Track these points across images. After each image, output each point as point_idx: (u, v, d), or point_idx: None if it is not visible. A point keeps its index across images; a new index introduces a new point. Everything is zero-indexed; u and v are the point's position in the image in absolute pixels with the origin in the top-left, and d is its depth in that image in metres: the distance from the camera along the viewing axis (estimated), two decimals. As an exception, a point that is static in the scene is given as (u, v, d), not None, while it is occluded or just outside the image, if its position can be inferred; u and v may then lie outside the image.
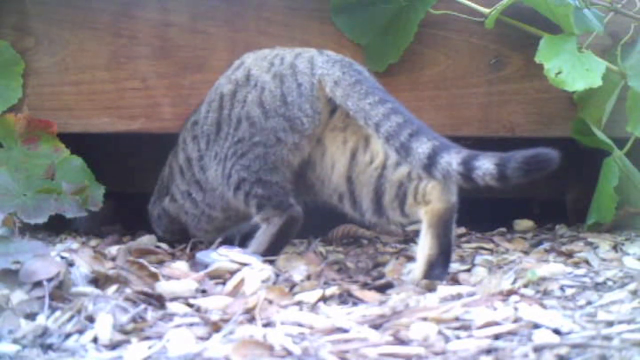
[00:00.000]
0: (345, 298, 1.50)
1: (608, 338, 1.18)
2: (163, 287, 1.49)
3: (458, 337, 1.25)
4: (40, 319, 1.30)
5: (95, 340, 1.24)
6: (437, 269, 1.56)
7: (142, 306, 1.37)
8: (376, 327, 1.31)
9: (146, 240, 1.95)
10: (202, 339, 1.26)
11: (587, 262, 1.70)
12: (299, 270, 1.66)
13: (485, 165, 1.46)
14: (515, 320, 1.30)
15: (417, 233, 2.07)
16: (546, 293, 1.49)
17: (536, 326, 1.27)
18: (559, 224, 2.11)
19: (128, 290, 1.43)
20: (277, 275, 1.63)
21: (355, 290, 1.53)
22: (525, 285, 1.52)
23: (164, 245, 1.92)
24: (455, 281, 1.62)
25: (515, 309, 1.35)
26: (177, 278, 1.58)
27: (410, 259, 1.80)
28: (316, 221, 1.96)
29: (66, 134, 2.06)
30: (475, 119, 2.10)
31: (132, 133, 2.10)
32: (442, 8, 2.02)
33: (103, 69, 2.09)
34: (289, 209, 1.72)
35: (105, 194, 2.01)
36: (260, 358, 1.17)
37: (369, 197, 1.68)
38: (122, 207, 2.30)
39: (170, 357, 1.18)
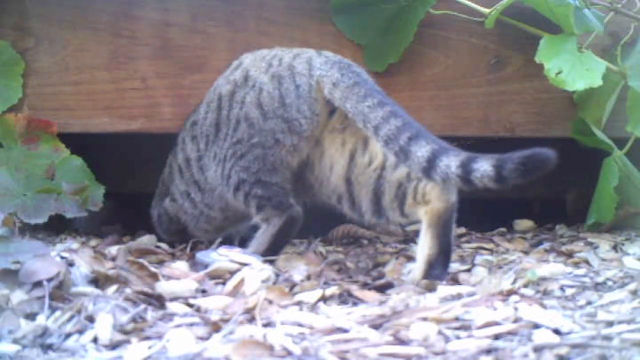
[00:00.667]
0: (345, 298, 1.50)
1: (608, 338, 1.18)
2: (163, 287, 1.49)
3: (458, 337, 1.25)
4: (40, 319, 1.30)
5: (95, 340, 1.24)
6: (437, 269, 1.57)
7: (142, 306, 1.37)
8: (376, 327, 1.31)
9: (146, 240, 1.95)
10: (202, 339, 1.26)
11: (587, 262, 1.70)
12: (299, 270, 1.66)
13: (483, 167, 1.46)
14: (515, 320, 1.30)
15: (417, 233, 2.07)
16: (546, 293, 1.49)
17: (536, 326, 1.27)
18: (559, 224, 2.11)
19: (128, 290, 1.43)
20: (277, 275, 1.63)
21: (355, 290, 1.53)
22: (525, 285, 1.52)
23: (164, 245, 1.92)
24: (455, 281, 1.62)
25: (515, 309, 1.35)
26: (177, 278, 1.58)
27: (410, 259, 1.80)
28: (316, 221, 1.96)
29: (66, 134, 2.06)
30: (475, 119, 2.10)
31: (132, 133, 2.10)
32: (442, 8, 2.02)
33: (103, 69, 2.09)
34: (289, 209, 1.72)
35: (105, 194, 2.01)
36: (260, 358, 1.17)
37: (368, 198, 1.68)
38: (122, 207, 2.30)
39: (170, 357, 1.18)
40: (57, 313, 1.32)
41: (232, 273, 1.60)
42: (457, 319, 1.32)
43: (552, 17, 1.93)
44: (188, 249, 1.88)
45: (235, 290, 1.52)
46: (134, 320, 1.32)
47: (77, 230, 2.13)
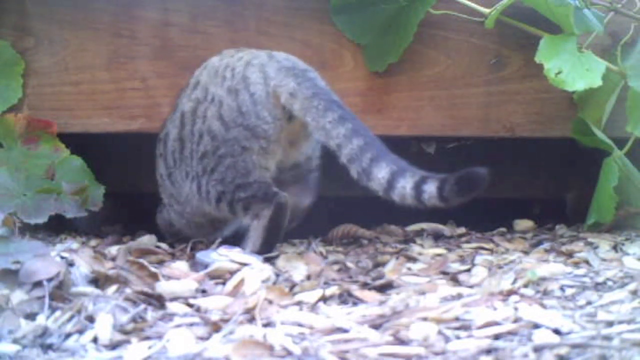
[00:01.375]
0: (345, 298, 1.50)
1: (608, 338, 1.18)
2: (163, 287, 1.49)
3: (458, 337, 1.25)
4: (40, 319, 1.30)
5: (95, 340, 1.25)
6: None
7: (142, 306, 1.37)
8: (376, 327, 1.31)
9: (146, 240, 1.95)
10: (202, 339, 1.27)
11: (587, 262, 1.70)
12: (299, 270, 1.66)
13: (430, 188, 1.56)
14: (515, 320, 1.30)
15: (417, 233, 2.08)
16: (546, 293, 1.49)
17: (536, 326, 1.27)
18: (559, 224, 2.11)
19: (128, 290, 1.43)
20: (277, 275, 1.63)
21: (355, 290, 1.53)
22: (525, 285, 1.52)
23: (164, 245, 1.92)
24: (455, 281, 1.62)
25: (515, 309, 1.35)
26: (177, 278, 1.58)
27: (410, 259, 1.80)
28: (316, 221, 1.96)
29: (66, 134, 2.06)
30: (475, 119, 2.10)
31: (132, 133, 2.10)
32: (442, 8, 2.02)
33: (103, 69, 2.09)
34: (275, 197, 1.73)
35: (105, 194, 2.01)
36: (260, 358, 1.17)
37: None
38: (122, 207, 2.30)
39: (170, 357, 1.18)
40: (57, 313, 1.32)
41: (232, 273, 1.60)
42: (457, 319, 1.32)
43: (552, 17, 1.93)
44: (188, 249, 1.88)
45: (235, 290, 1.52)
46: (134, 320, 1.32)
47: (77, 230, 2.13)
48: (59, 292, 1.38)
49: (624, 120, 1.92)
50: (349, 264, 1.75)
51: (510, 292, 1.46)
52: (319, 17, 2.08)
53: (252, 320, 1.35)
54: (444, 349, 1.20)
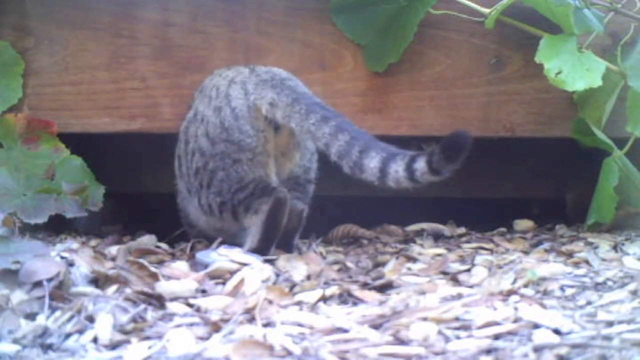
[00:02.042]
0: (345, 298, 1.50)
1: (608, 338, 1.18)
2: (163, 287, 1.49)
3: (458, 337, 1.25)
4: (40, 319, 1.30)
5: (95, 340, 1.25)
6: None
7: (142, 306, 1.37)
8: (376, 327, 1.31)
9: (146, 240, 1.95)
10: (202, 339, 1.27)
11: (587, 262, 1.70)
12: (299, 270, 1.66)
13: (420, 164, 1.56)
14: (515, 320, 1.30)
15: (417, 233, 2.08)
16: (546, 293, 1.49)
17: (536, 326, 1.27)
18: (559, 224, 2.11)
19: (128, 290, 1.43)
20: (277, 275, 1.63)
21: (355, 290, 1.53)
22: (525, 285, 1.52)
23: (164, 245, 1.92)
24: (455, 281, 1.62)
25: (515, 309, 1.35)
26: (177, 278, 1.58)
27: (410, 259, 1.80)
28: (316, 221, 1.96)
29: (66, 134, 2.06)
30: (475, 119, 2.10)
31: (132, 133, 2.10)
32: (442, 8, 2.02)
33: (103, 69, 2.09)
34: (273, 192, 1.75)
35: (105, 194, 2.01)
36: (260, 358, 1.17)
37: None
38: (122, 207, 2.30)
39: (170, 357, 1.18)
40: (57, 313, 1.32)
41: (232, 273, 1.60)
42: (457, 319, 1.32)
43: (552, 17, 1.93)
44: (188, 249, 1.88)
45: (235, 290, 1.52)
46: (134, 320, 1.32)
47: (77, 230, 2.13)
48: (59, 292, 1.38)
49: (624, 120, 1.92)
50: (349, 264, 1.75)
51: (510, 292, 1.46)
52: (319, 17, 2.08)
53: (252, 320, 1.35)
54: (444, 349, 1.20)
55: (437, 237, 2.06)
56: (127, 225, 2.22)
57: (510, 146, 2.24)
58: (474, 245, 1.93)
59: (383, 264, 1.75)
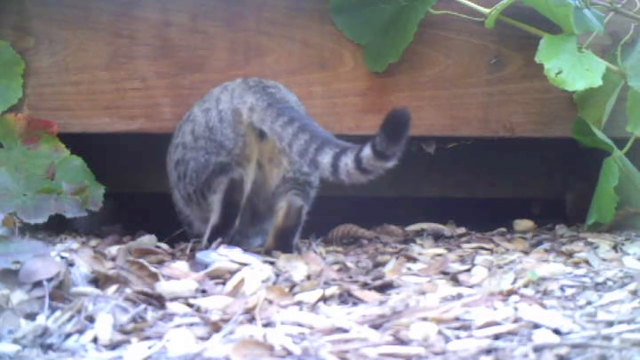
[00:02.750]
0: (345, 298, 1.50)
1: (608, 338, 1.18)
2: (163, 287, 1.49)
3: (458, 337, 1.25)
4: (40, 319, 1.30)
5: (95, 340, 1.24)
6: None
7: (142, 306, 1.37)
8: (376, 327, 1.31)
9: (146, 240, 1.95)
10: (202, 339, 1.26)
11: (587, 262, 1.70)
12: (299, 270, 1.66)
13: (366, 152, 1.58)
14: (515, 320, 1.30)
15: (417, 233, 2.08)
16: (546, 293, 1.49)
17: (536, 326, 1.27)
18: (559, 224, 2.11)
19: (128, 290, 1.43)
20: (277, 275, 1.63)
21: (355, 290, 1.53)
22: (525, 285, 1.52)
23: (164, 245, 1.91)
24: (455, 281, 1.62)
25: (515, 309, 1.35)
26: (177, 278, 1.58)
27: (410, 259, 1.80)
28: (316, 221, 1.96)
29: (66, 134, 2.06)
30: (475, 119, 2.10)
31: (132, 133, 2.10)
32: (442, 8, 2.02)
33: (103, 69, 2.09)
34: (230, 172, 1.80)
35: (105, 194, 2.01)
36: (260, 358, 1.17)
37: None
38: (122, 207, 2.30)
39: (170, 357, 1.18)
40: (57, 313, 1.32)
41: (232, 273, 1.60)
42: (457, 319, 1.32)
43: (552, 17, 1.93)
44: (188, 249, 1.88)
45: (235, 290, 1.52)
46: (134, 320, 1.32)
47: (77, 230, 2.13)
48: (59, 292, 1.38)
49: (624, 120, 1.92)
50: (349, 264, 1.75)
51: (510, 292, 1.46)
52: (319, 17, 2.08)
53: (252, 320, 1.35)
54: (444, 349, 1.20)
55: (437, 237, 2.06)
56: (127, 225, 2.22)
57: (510, 146, 2.25)
58: (474, 245, 1.93)
59: (383, 264, 1.75)
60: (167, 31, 2.09)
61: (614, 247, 1.82)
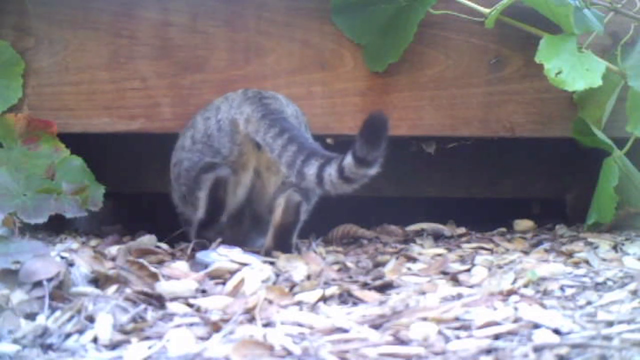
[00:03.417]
0: (345, 298, 1.50)
1: (608, 338, 1.18)
2: (163, 287, 1.49)
3: (458, 337, 1.25)
4: (40, 319, 1.30)
5: (95, 340, 1.24)
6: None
7: (142, 306, 1.37)
8: (376, 327, 1.31)
9: (146, 240, 1.95)
10: (202, 339, 1.27)
11: (587, 262, 1.70)
12: (299, 270, 1.66)
13: (347, 160, 1.59)
14: (515, 320, 1.30)
15: (417, 233, 2.08)
16: (546, 293, 1.49)
17: (536, 326, 1.27)
18: (559, 224, 2.11)
19: (128, 290, 1.43)
20: (277, 275, 1.63)
21: (355, 290, 1.53)
22: (525, 285, 1.52)
23: (164, 245, 1.92)
24: (455, 281, 1.62)
25: (515, 309, 1.35)
26: (177, 278, 1.58)
27: (410, 259, 1.80)
28: (316, 221, 1.96)
29: (66, 134, 2.06)
30: (475, 119, 2.10)
31: (132, 133, 2.10)
32: (442, 8, 2.02)
33: (103, 69, 2.09)
34: (216, 170, 1.83)
35: (105, 194, 2.01)
36: (260, 358, 1.17)
37: None
38: (122, 207, 2.30)
39: (170, 357, 1.18)
40: (57, 313, 1.32)
41: (232, 273, 1.60)
42: (457, 319, 1.32)
43: (552, 17, 1.93)
44: (188, 249, 1.88)
45: (235, 290, 1.52)
46: (134, 320, 1.32)
47: (77, 230, 2.13)
48: (59, 292, 1.38)
49: (624, 120, 1.92)
50: (349, 264, 1.75)
51: (510, 292, 1.46)
52: (319, 17, 2.08)
53: (252, 320, 1.35)
54: (444, 349, 1.20)
55: (437, 237, 2.06)
56: (127, 225, 2.22)
57: (510, 146, 2.25)
58: (474, 245, 1.93)
59: (383, 264, 1.75)
60: (167, 31, 2.09)
61: (614, 247, 1.82)
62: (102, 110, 2.09)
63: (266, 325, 1.33)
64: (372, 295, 1.51)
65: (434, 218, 2.14)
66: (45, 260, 1.44)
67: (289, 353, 1.19)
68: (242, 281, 1.53)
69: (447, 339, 1.24)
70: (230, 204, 1.87)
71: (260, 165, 1.83)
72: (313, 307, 1.44)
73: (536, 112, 2.09)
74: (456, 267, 1.72)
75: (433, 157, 2.19)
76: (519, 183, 2.33)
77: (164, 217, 2.07)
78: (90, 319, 1.30)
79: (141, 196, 2.07)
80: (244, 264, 1.64)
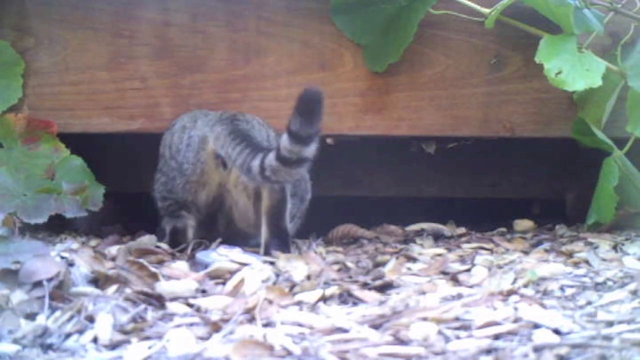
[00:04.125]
0: (345, 298, 1.50)
1: (608, 338, 1.18)
2: (163, 287, 1.49)
3: (458, 337, 1.25)
4: (40, 319, 1.30)
5: (95, 340, 1.24)
6: (273, 249, 1.81)
7: (142, 306, 1.37)
8: (376, 327, 1.31)
9: (146, 240, 1.95)
10: (202, 339, 1.26)
11: (587, 262, 1.70)
12: (299, 270, 1.66)
13: (284, 142, 1.61)
14: (515, 320, 1.30)
15: (417, 233, 2.08)
16: (546, 293, 1.49)
17: (536, 326, 1.27)
18: (559, 224, 2.11)
19: (128, 290, 1.43)
20: (277, 275, 1.63)
21: (355, 290, 1.53)
22: (525, 285, 1.52)
23: (164, 245, 1.91)
24: (455, 281, 1.62)
25: (515, 309, 1.35)
26: (177, 278, 1.58)
27: (410, 259, 1.80)
28: (316, 221, 1.97)
29: (66, 134, 2.06)
30: (475, 119, 2.10)
31: (132, 133, 2.10)
32: (442, 8, 2.02)
33: (103, 69, 2.09)
34: (175, 220, 1.91)
35: (105, 194, 2.01)
36: (260, 358, 1.17)
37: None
38: (122, 207, 2.30)
39: (170, 357, 1.18)
40: (57, 313, 1.32)
41: (232, 273, 1.60)
42: (457, 319, 1.32)
43: (552, 17, 1.93)
44: (189, 249, 1.88)
45: (235, 290, 1.52)
46: (134, 320, 1.32)
47: (77, 230, 2.13)
48: (59, 292, 1.38)
49: (624, 120, 1.92)
50: (349, 264, 1.75)
51: (510, 292, 1.46)
52: (319, 17, 2.08)
53: (252, 320, 1.35)
54: (444, 349, 1.20)
55: (437, 237, 2.06)
56: (127, 225, 2.22)
57: (510, 146, 2.25)
58: (474, 245, 1.93)
59: (383, 264, 1.75)
60: (167, 31, 2.09)
61: (614, 247, 1.82)
62: (102, 110, 2.09)
63: (266, 325, 1.33)
64: (372, 295, 1.51)
65: (434, 218, 2.14)
66: (45, 260, 1.44)
67: (289, 353, 1.19)
68: (242, 281, 1.53)
69: (447, 339, 1.24)
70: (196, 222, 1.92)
71: (228, 183, 1.86)
72: (313, 307, 1.44)
73: (536, 112, 2.09)
74: (456, 267, 1.72)
75: (433, 157, 2.19)
76: (519, 183, 2.34)
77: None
78: (90, 319, 1.30)
79: (141, 196, 2.07)
80: (244, 264, 1.64)
